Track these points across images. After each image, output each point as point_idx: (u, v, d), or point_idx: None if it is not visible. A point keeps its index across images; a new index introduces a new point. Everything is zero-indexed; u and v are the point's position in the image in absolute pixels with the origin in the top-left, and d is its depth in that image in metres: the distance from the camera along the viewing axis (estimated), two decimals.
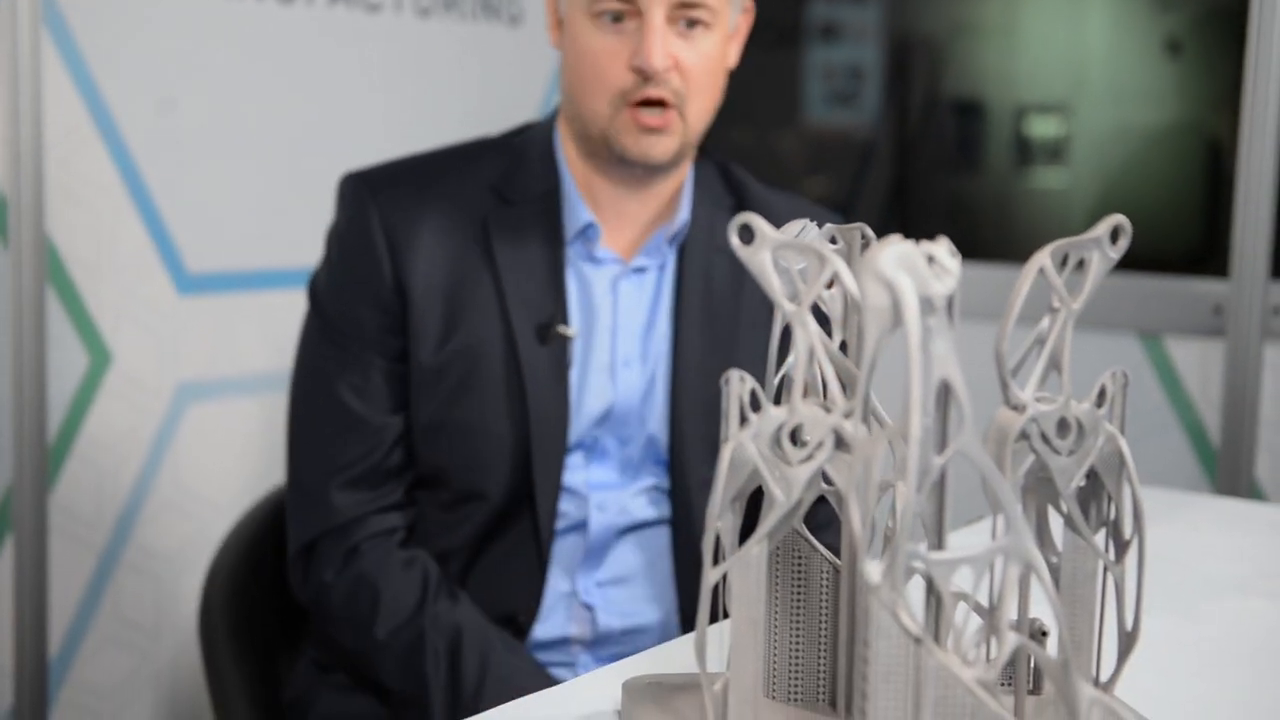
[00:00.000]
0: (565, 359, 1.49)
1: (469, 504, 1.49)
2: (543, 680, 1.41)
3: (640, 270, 1.54)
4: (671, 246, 1.55)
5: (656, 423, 1.53)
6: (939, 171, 2.87)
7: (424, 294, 1.47)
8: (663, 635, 1.54)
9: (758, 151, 2.88)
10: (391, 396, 1.49)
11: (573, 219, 1.51)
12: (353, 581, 1.47)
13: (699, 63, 1.47)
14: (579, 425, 1.50)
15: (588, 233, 1.52)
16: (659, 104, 1.46)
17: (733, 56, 1.55)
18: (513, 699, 1.36)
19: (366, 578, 1.46)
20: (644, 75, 1.44)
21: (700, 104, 1.49)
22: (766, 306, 1.52)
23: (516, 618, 1.50)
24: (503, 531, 1.50)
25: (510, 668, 1.42)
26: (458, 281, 1.48)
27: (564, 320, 1.49)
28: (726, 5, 1.49)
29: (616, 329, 1.53)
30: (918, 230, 0.77)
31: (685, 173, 1.56)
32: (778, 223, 1.59)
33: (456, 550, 1.51)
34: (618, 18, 1.44)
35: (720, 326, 1.54)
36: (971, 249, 2.58)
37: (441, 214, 1.49)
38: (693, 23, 1.46)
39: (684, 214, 1.55)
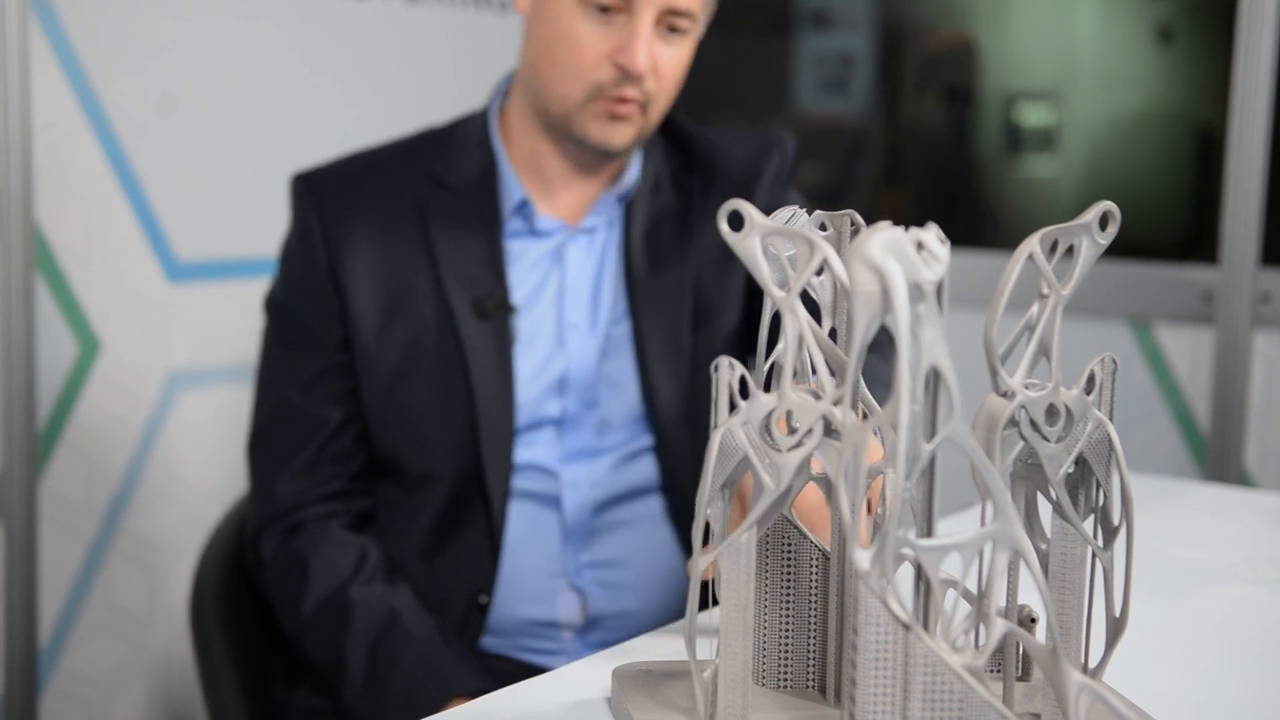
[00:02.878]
0: (507, 334, 1.51)
1: (424, 488, 1.51)
2: (472, 674, 1.41)
3: (589, 231, 1.57)
4: (620, 204, 1.58)
5: (625, 380, 1.54)
6: (929, 158, 2.87)
7: (361, 282, 1.50)
8: (662, 612, 1.54)
9: None
10: (334, 388, 1.52)
11: (508, 197, 1.54)
12: (286, 559, 1.50)
13: (673, 69, 1.49)
14: (535, 398, 1.51)
15: (524, 209, 1.54)
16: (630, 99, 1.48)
17: None
18: (438, 689, 1.37)
19: (300, 555, 1.49)
20: (626, 74, 1.45)
21: (664, 101, 1.52)
22: (718, 249, 1.55)
23: (477, 599, 1.51)
24: (458, 513, 1.51)
25: (437, 657, 1.43)
26: (396, 267, 1.51)
27: (504, 295, 1.51)
28: (702, 12, 1.51)
29: (563, 293, 1.55)
30: (908, 218, 0.77)
31: None
32: (722, 158, 1.60)
33: (418, 535, 1.52)
34: (606, 9, 1.44)
35: (671, 268, 1.56)
36: (962, 237, 2.58)
37: (379, 205, 1.53)
38: (674, 28, 1.48)
39: (633, 173, 1.57)
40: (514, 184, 1.54)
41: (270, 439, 1.54)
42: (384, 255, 1.51)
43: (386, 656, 1.42)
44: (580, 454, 1.53)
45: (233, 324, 2.15)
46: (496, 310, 1.50)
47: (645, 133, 1.52)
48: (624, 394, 1.54)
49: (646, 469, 1.56)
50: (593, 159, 1.54)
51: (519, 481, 1.51)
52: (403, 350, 1.50)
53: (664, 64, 1.47)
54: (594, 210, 1.56)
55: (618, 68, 1.45)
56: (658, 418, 1.53)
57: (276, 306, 1.56)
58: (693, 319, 1.55)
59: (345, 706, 1.44)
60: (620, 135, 1.49)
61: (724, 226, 0.82)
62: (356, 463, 1.53)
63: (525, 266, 1.54)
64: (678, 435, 1.53)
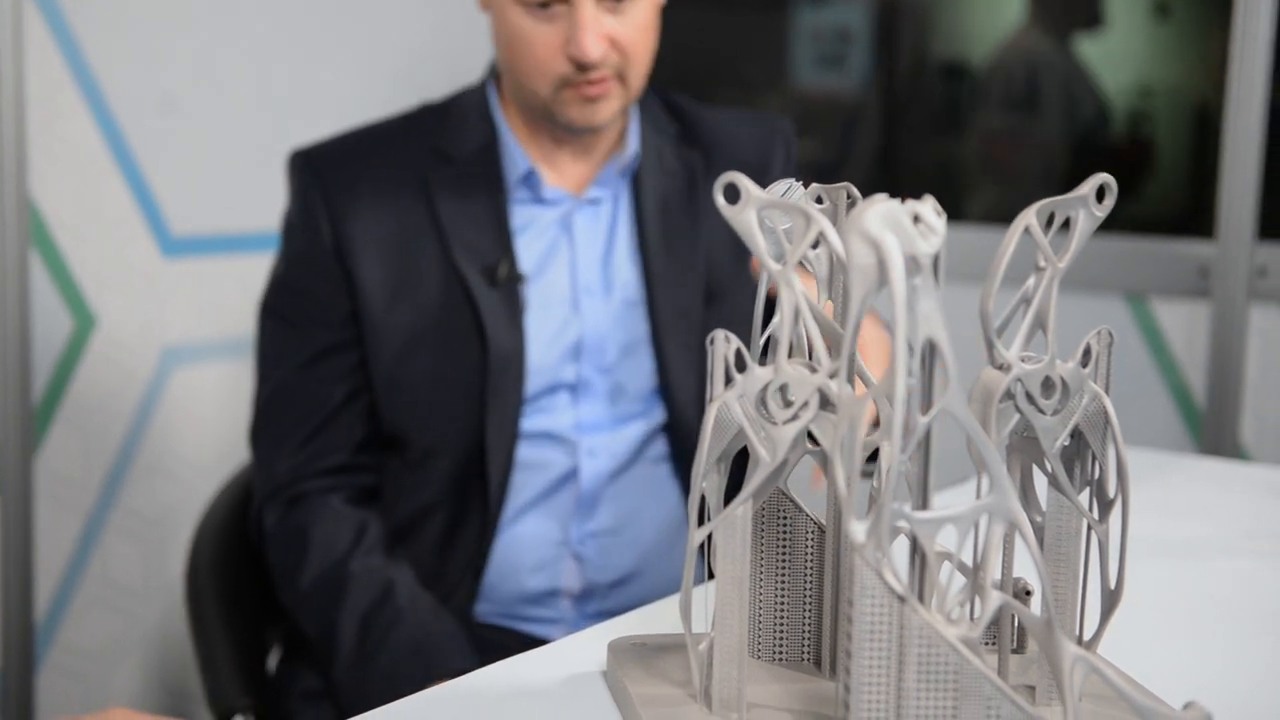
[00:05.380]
0: (518, 301, 1.51)
1: (428, 462, 1.52)
2: (461, 655, 1.41)
3: (594, 202, 1.57)
4: (623, 177, 1.58)
5: (640, 348, 1.55)
6: (927, 133, 2.87)
7: (368, 255, 1.50)
8: (662, 583, 1.54)
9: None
10: (338, 364, 1.52)
11: (512, 168, 1.54)
12: (286, 532, 1.50)
13: (634, 34, 1.48)
14: (550, 363, 1.52)
15: (529, 179, 1.55)
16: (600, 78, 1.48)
17: None
18: (424, 669, 1.37)
19: (299, 527, 1.49)
20: (580, 66, 1.45)
21: (640, 66, 1.51)
22: (730, 232, 1.54)
23: (473, 567, 1.52)
24: (462, 485, 1.52)
25: (427, 635, 1.43)
26: (402, 240, 1.51)
27: (512, 263, 1.51)
28: None
29: (575, 261, 1.55)
30: (906, 192, 0.76)
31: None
32: (726, 140, 1.61)
33: (426, 509, 1.53)
34: (545, 4, 1.45)
35: (682, 245, 1.56)
36: (959, 211, 2.58)
37: (382, 178, 1.53)
38: None
39: (633, 145, 1.57)
40: (519, 154, 1.54)
41: (272, 419, 1.54)
42: (389, 228, 1.51)
43: (377, 632, 1.42)
44: (597, 422, 1.54)
45: (227, 299, 2.15)
46: (507, 278, 1.50)
47: (630, 100, 1.52)
48: (639, 362, 1.55)
49: (658, 441, 1.57)
50: (583, 135, 1.54)
51: (526, 450, 1.52)
52: (411, 322, 1.50)
53: (622, 36, 1.46)
54: (597, 182, 1.56)
55: (572, 60, 1.45)
56: (671, 390, 1.54)
57: (278, 287, 1.56)
58: (705, 295, 1.55)
59: (335, 681, 1.45)
60: (602, 112, 1.49)
61: (720, 199, 0.81)
62: (360, 437, 1.53)
63: (532, 235, 1.54)
64: (690, 410, 1.53)
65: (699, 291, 1.56)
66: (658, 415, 1.56)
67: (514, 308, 1.51)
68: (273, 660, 1.64)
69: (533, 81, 1.49)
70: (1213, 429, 2.29)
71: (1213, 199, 2.28)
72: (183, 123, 2.08)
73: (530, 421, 1.52)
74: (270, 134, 2.15)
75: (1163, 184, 2.54)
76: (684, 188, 1.58)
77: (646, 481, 1.56)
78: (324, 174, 1.53)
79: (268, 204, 2.16)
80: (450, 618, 1.47)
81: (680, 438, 1.55)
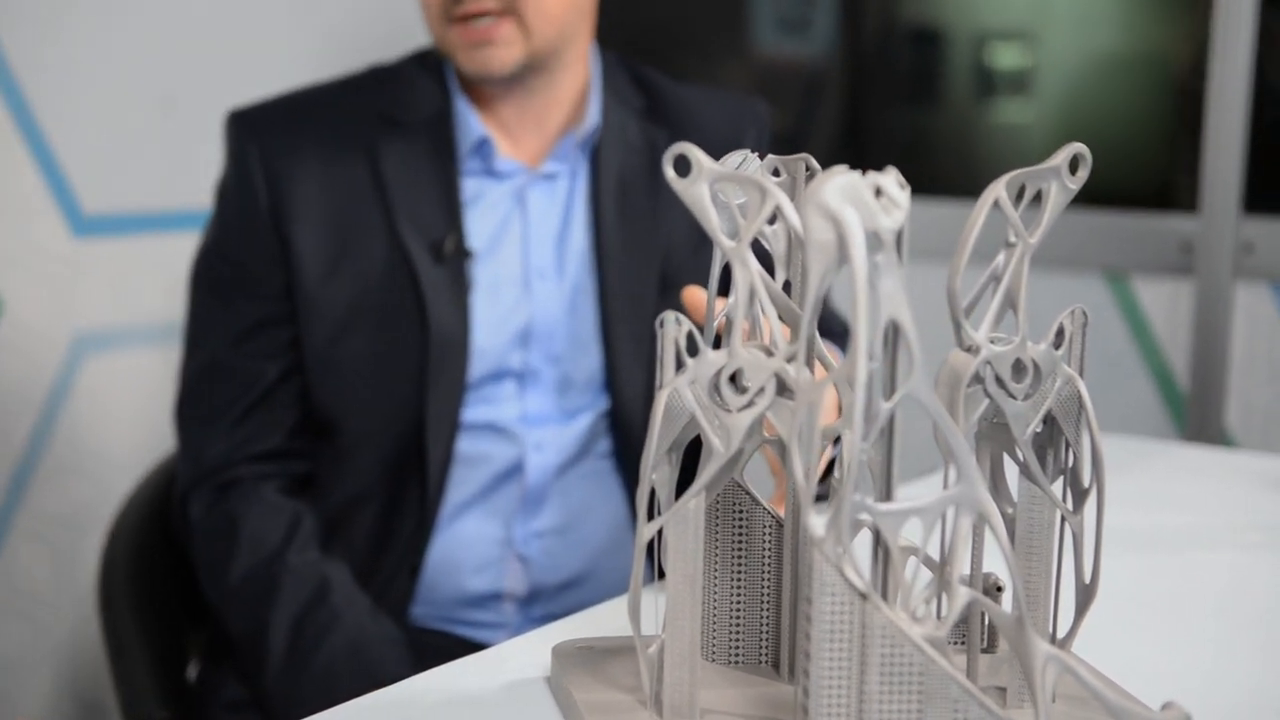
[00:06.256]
0: (464, 279, 1.51)
1: (365, 448, 1.52)
2: (400, 662, 1.41)
3: (550, 177, 1.57)
4: (583, 151, 1.57)
5: (589, 337, 1.55)
6: (895, 103, 2.87)
7: (306, 224, 1.50)
8: (609, 585, 1.54)
9: (702, 82, 2.86)
10: (271, 341, 1.52)
11: (465, 135, 1.54)
12: (215, 522, 1.49)
13: None
14: (496, 348, 1.52)
15: (483, 148, 1.54)
16: (489, 14, 1.47)
17: None
18: (361, 674, 1.37)
19: (229, 518, 1.48)
20: None
21: (543, 6, 1.49)
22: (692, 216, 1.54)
23: (408, 566, 1.52)
24: (397, 477, 1.52)
25: (365, 638, 1.42)
26: (344, 209, 1.51)
27: (460, 238, 1.51)
28: None
29: (528, 239, 1.55)
30: (872, 165, 0.76)
31: (583, 74, 1.58)
32: (696, 119, 1.61)
33: (358, 501, 1.53)
34: None
35: (641, 229, 1.56)
36: (930, 185, 2.59)
37: (324, 143, 1.53)
38: None
39: (593, 117, 1.57)
40: (473, 121, 1.54)
41: (199, 396, 1.53)
42: (331, 196, 1.51)
43: (311, 634, 1.42)
44: (544, 414, 1.54)
45: (144, 282, 2.13)
46: (454, 253, 1.50)
47: (537, 49, 1.50)
48: (586, 353, 1.55)
49: (604, 436, 1.57)
50: (515, 88, 1.53)
51: (468, 443, 1.52)
52: (350, 297, 1.50)
53: None
54: (553, 155, 1.56)
55: None
56: (616, 381, 1.54)
57: (209, 254, 1.55)
58: (660, 283, 1.55)
59: (263, 688, 1.44)
60: (495, 60, 1.48)
61: (669, 171, 0.81)
62: (294, 420, 1.53)
63: (483, 209, 1.54)
64: (637, 404, 1.53)
65: (654, 279, 1.56)
66: (604, 408, 1.56)
67: (460, 286, 1.50)
68: (193, 670, 1.63)
69: (429, 22, 1.50)
70: (1196, 414, 2.31)
71: (1195, 171, 2.30)
72: (94, 92, 2.06)
73: (473, 411, 1.52)
74: (196, 102, 2.13)
75: (1143, 155, 2.56)
76: (646, 165, 1.58)
77: (595, 478, 1.57)
78: (263, 137, 1.53)
79: (187, 180, 2.15)
80: (389, 621, 1.46)
81: (626, 432, 1.55)
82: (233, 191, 1.54)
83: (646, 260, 1.56)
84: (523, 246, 1.55)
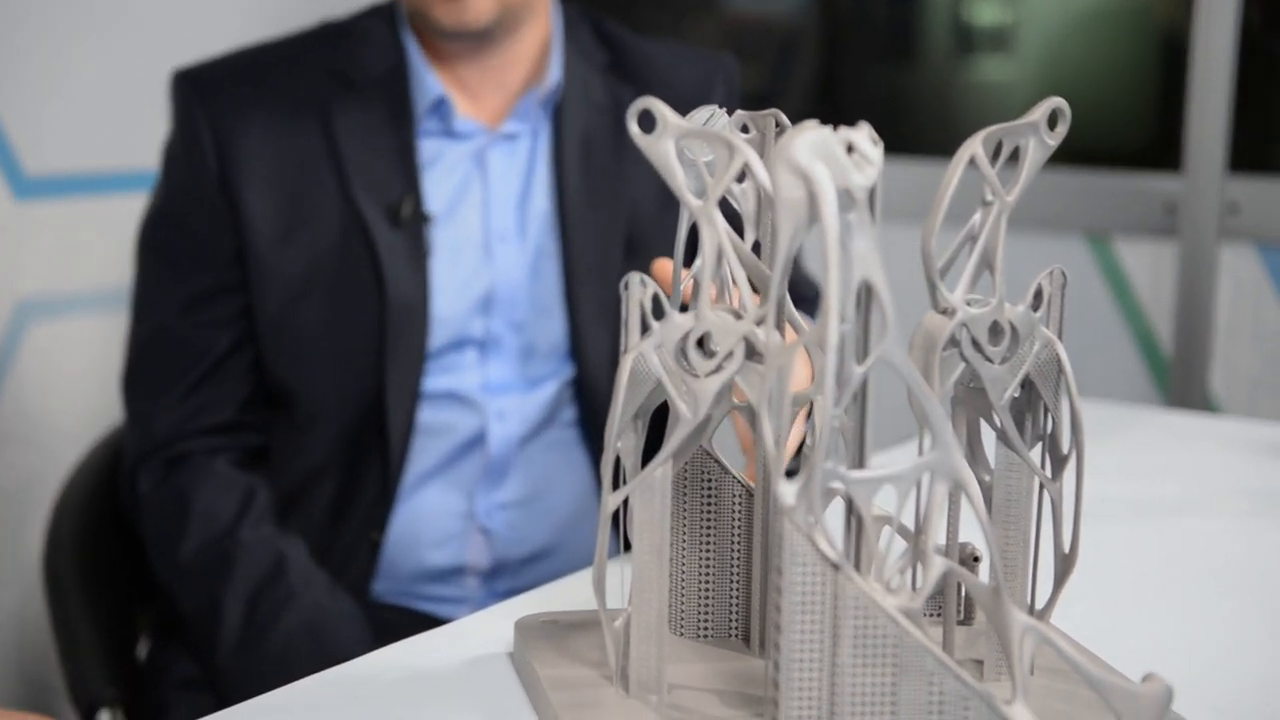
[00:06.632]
0: (423, 244, 1.50)
1: (318, 422, 1.51)
2: (358, 641, 1.41)
3: (511, 137, 1.56)
4: (544, 110, 1.56)
5: (552, 303, 1.54)
6: (872, 61, 2.87)
7: (257, 187, 1.49)
8: (575, 558, 1.54)
9: (670, 40, 2.85)
10: (222, 309, 1.51)
11: (422, 95, 1.53)
12: (165, 497, 1.49)
13: None
14: (457, 315, 1.51)
15: (441, 108, 1.53)
16: None
17: None
18: (319, 652, 1.37)
19: (180, 492, 1.48)
20: None
21: None
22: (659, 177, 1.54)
23: (369, 539, 1.52)
24: (355, 449, 1.52)
25: (322, 616, 1.42)
26: (296, 172, 1.50)
27: (417, 201, 1.50)
28: None
29: (489, 202, 1.54)
30: (846, 124, 0.76)
31: (545, 29, 1.58)
32: (663, 75, 1.61)
33: (315, 475, 1.52)
34: None
35: (605, 190, 1.56)
36: (907, 145, 2.59)
37: (275, 103, 1.52)
38: None
39: (555, 73, 1.56)
40: (430, 80, 1.53)
41: (148, 367, 1.52)
42: (282, 158, 1.50)
43: (266, 611, 1.41)
44: (507, 382, 1.54)
45: (90, 246, 2.12)
46: (411, 218, 1.50)
47: (511, 3, 1.50)
48: (550, 319, 1.55)
49: (569, 405, 1.57)
50: (480, 43, 1.52)
51: (429, 412, 1.51)
52: (303, 263, 1.49)
53: None
54: (514, 114, 1.55)
55: None
56: (582, 348, 1.54)
57: (156, 219, 1.54)
58: (625, 245, 1.55)
59: (216, 667, 1.44)
60: (470, 12, 1.47)
61: (634, 128, 0.81)
62: (246, 392, 1.52)
63: (442, 171, 1.54)
64: (603, 371, 1.53)
65: (619, 242, 1.55)
66: (568, 376, 1.56)
67: (418, 252, 1.50)
68: (143, 648, 1.62)
69: None
70: (1180, 379, 2.32)
71: (1180, 129, 2.30)
72: (36, 46, 2.03)
73: (434, 380, 1.51)
74: (142, 58, 2.12)
75: (1126, 113, 2.57)
76: (611, 124, 1.57)
77: (560, 448, 1.57)
78: (211, 97, 1.51)
79: (134, 140, 2.13)
80: (347, 597, 1.46)
81: (591, 400, 1.55)
82: (179, 154, 1.53)
83: (611, 222, 1.55)
84: (483, 209, 1.54)
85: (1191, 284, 2.29)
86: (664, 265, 1.22)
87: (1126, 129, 2.55)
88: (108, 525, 1.59)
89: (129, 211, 1.82)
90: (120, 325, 2.10)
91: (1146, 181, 2.38)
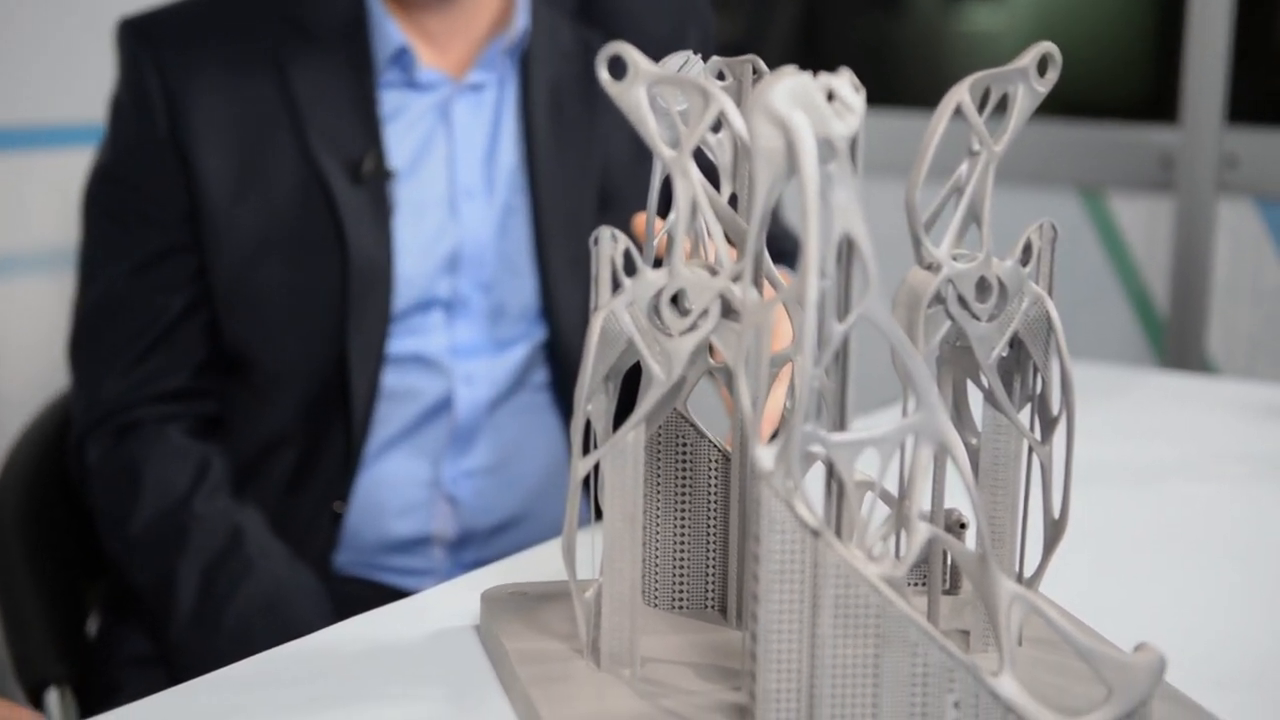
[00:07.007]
0: (385, 201, 1.50)
1: (278, 387, 1.51)
2: (319, 615, 1.41)
3: (476, 88, 1.55)
4: (511, 59, 1.56)
5: (522, 262, 1.54)
6: (857, 8, 2.86)
7: (209, 143, 1.49)
8: (545, 527, 1.54)
9: None
10: (175, 271, 1.50)
11: (383, 45, 1.52)
12: (115, 467, 1.48)
13: None
14: (422, 275, 1.51)
15: (403, 58, 1.53)
16: None
17: None
18: (278, 624, 1.37)
19: (131, 463, 1.47)
20: None
21: None
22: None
23: (331, 509, 1.52)
24: (315, 415, 1.51)
25: (281, 589, 1.42)
26: (251, 126, 1.49)
27: (379, 156, 1.50)
28: None
29: (454, 157, 1.54)
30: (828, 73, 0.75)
31: None
32: (635, 20, 1.60)
33: (275, 443, 1.52)
34: None
35: (576, 142, 1.56)
36: (894, 96, 2.58)
37: (227, 53, 1.51)
38: None
39: (521, 20, 1.55)
40: (390, 29, 1.52)
41: (96, 331, 1.52)
42: (236, 112, 1.49)
43: (223, 585, 1.41)
44: (475, 345, 1.53)
45: (35, 203, 2.10)
46: (373, 174, 1.49)
47: None
48: (520, 277, 1.54)
49: (542, 368, 1.57)
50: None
51: (393, 376, 1.51)
52: (260, 222, 1.49)
53: None
54: (479, 64, 1.55)
55: None
56: (554, 310, 1.53)
57: (104, 176, 1.53)
58: (598, 200, 1.54)
59: (170, 643, 1.44)
60: None
61: (604, 74, 0.80)
62: (200, 357, 1.52)
63: (404, 124, 1.53)
64: (576, 332, 1.53)
65: (591, 197, 1.55)
66: (540, 338, 1.55)
67: (381, 209, 1.49)
68: (93, 624, 1.62)
69: None
70: (1176, 339, 2.33)
71: (1176, 79, 2.30)
72: None
73: (398, 343, 1.51)
74: (88, 4, 2.10)
75: (1121, 62, 2.56)
76: (581, 72, 1.57)
77: (530, 412, 1.56)
78: (159, 46, 1.50)
79: (84, 91, 2.11)
80: (307, 570, 1.46)
81: (563, 362, 1.55)
82: (127, 108, 1.52)
83: (583, 175, 1.55)
84: (448, 164, 1.53)
85: (1188, 240, 2.29)
86: (643, 221, 1.22)
87: (1121, 78, 2.55)
88: (55, 497, 1.59)
89: (76, 166, 1.81)
90: (67, 287, 2.09)
91: (1141, 133, 2.38)
